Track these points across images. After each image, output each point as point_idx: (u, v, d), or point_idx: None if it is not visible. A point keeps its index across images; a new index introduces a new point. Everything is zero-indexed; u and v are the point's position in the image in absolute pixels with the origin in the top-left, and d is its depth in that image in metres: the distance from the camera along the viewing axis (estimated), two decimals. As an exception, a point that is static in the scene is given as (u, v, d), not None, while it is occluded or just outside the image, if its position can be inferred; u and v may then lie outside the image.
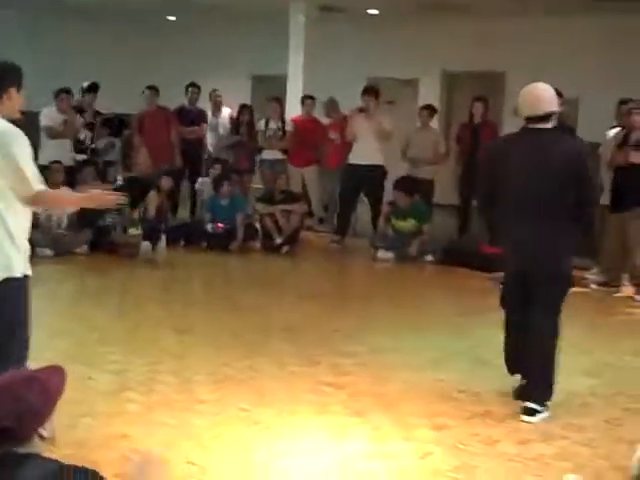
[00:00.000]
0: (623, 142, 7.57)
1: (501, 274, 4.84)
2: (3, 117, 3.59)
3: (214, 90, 11.10)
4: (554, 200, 4.44)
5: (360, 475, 3.67)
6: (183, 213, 10.35)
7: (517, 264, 4.62)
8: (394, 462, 3.80)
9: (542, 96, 4.49)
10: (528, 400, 4.44)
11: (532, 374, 4.54)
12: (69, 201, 4.38)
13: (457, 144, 9.93)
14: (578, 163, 4.46)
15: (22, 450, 2.11)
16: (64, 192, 3.98)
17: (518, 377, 4.70)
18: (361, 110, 9.68)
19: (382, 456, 3.85)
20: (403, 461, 3.82)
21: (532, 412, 4.40)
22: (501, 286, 4.85)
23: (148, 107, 10.38)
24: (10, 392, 2.03)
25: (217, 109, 10.94)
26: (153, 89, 10.46)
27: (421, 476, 3.67)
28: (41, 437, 2.22)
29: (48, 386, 2.31)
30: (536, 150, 4.47)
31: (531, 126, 4.49)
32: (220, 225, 9.02)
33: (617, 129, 7.90)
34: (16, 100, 3.67)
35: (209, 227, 9.07)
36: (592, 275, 8.10)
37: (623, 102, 8.21)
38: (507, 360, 4.73)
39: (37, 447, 2.17)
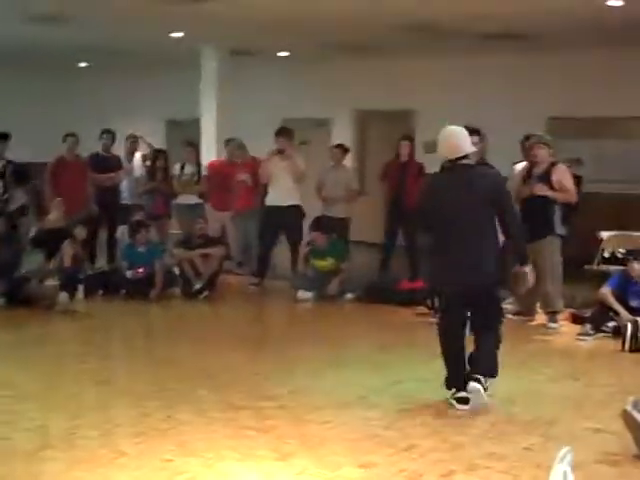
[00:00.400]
0: (527, 175, 7.85)
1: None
2: None
3: (131, 135, 11.05)
4: (484, 224, 5.21)
5: (288, 519, 3.67)
6: (101, 262, 10.21)
7: (458, 284, 5.22)
8: (321, 504, 3.81)
9: (459, 140, 5.25)
10: (476, 373, 5.10)
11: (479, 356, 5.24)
12: None
13: (383, 182, 10.05)
14: (500, 193, 5.27)
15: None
16: None
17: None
18: (279, 152, 9.76)
19: (309, 498, 3.86)
20: (330, 502, 3.83)
21: (479, 381, 5.05)
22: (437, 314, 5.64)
23: (67, 155, 10.27)
24: None
25: (131, 154, 10.89)
26: (74, 136, 10.36)
27: (348, 516, 3.69)
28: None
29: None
30: (467, 182, 5.21)
31: (457, 163, 5.23)
32: (140, 270, 8.92)
33: (523, 163, 8.18)
34: None
35: (128, 274, 8.96)
36: (509, 305, 8.32)
37: (527, 138, 8.52)
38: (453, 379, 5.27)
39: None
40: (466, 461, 4.29)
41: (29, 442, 4.54)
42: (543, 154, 7.76)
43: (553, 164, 7.76)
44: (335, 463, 4.27)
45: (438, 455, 4.39)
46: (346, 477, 4.10)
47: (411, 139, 10.06)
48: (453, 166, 5.24)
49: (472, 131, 7.66)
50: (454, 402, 5.21)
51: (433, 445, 4.53)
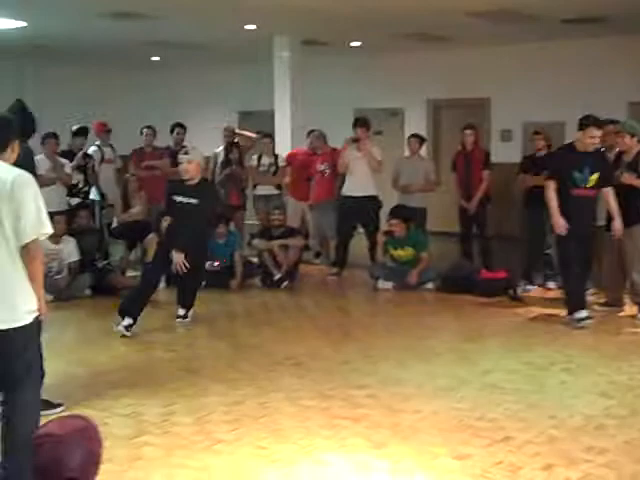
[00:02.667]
0: (616, 163, 7.66)
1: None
2: None
3: (227, 127, 11.10)
4: None
5: (388, 508, 3.65)
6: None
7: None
8: (421, 493, 3.78)
9: None
10: None
11: None
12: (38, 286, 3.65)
13: (453, 172, 9.92)
14: None
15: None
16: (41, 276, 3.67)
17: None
18: (354, 140, 9.74)
19: (408, 488, 3.83)
20: (429, 492, 3.80)
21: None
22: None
23: (146, 147, 10.41)
24: (75, 443, 2.00)
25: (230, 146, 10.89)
26: (151, 128, 10.50)
27: (450, 506, 3.66)
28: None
29: (96, 433, 2.26)
30: None
31: None
32: (216, 264, 8.97)
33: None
34: (17, 152, 3.72)
35: (207, 265, 9.00)
36: (591, 296, 8.16)
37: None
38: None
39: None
40: (564, 455, 4.20)
41: (126, 427, 4.64)
42: (626, 142, 7.56)
43: (641, 152, 7.55)
44: (431, 453, 4.23)
45: (535, 448, 4.30)
46: (444, 467, 4.06)
47: (475, 128, 9.86)
48: None
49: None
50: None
51: (528, 438, 4.45)
